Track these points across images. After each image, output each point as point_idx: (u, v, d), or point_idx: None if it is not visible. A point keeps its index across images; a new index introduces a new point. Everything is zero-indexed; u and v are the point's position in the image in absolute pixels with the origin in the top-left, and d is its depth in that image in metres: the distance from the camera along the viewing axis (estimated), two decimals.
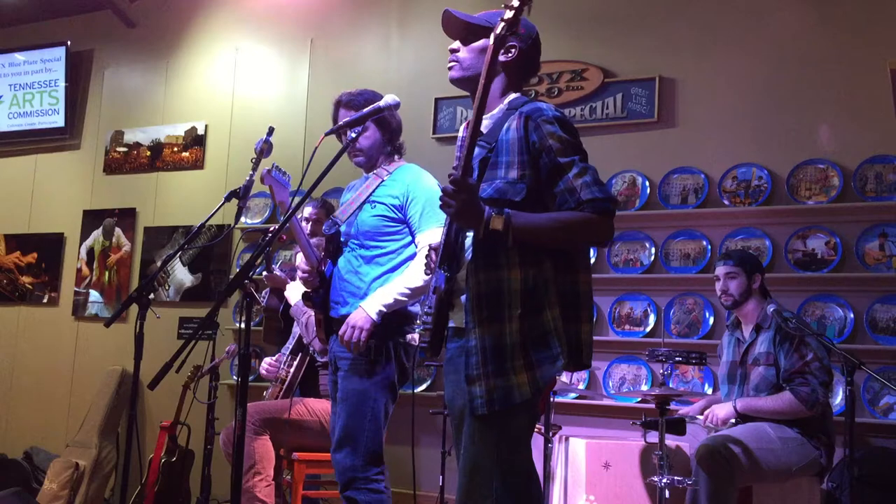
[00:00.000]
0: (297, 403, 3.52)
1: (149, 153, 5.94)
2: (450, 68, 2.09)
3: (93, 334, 5.84)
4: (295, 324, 3.72)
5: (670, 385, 4.04)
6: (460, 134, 2.08)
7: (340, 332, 2.67)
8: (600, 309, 4.39)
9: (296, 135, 5.34)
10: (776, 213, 4.14)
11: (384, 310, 2.65)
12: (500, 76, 2.05)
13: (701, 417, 3.42)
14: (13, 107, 6.39)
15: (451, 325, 2.01)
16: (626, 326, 4.35)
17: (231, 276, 5.38)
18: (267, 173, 2.83)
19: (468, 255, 1.92)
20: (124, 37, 6.20)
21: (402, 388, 2.81)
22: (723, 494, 3.01)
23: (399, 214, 2.77)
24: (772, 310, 3.22)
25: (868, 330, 3.87)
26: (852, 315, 3.91)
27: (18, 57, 6.37)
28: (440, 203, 1.83)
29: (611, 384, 4.31)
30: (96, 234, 5.99)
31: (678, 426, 3.12)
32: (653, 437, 3.19)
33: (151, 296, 2.94)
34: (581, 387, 4.30)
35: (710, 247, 4.23)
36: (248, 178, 2.75)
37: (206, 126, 5.78)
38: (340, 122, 2.63)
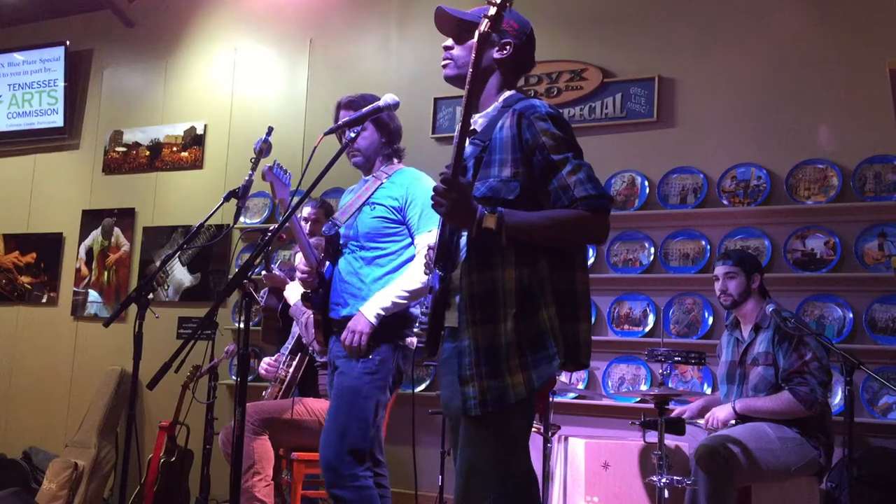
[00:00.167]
0: (297, 403, 3.52)
1: (148, 153, 5.93)
2: (444, 66, 2.06)
3: (92, 334, 5.84)
4: (294, 323, 3.72)
5: (669, 385, 4.04)
6: (456, 133, 2.08)
7: (342, 338, 2.70)
8: (599, 309, 4.39)
9: (295, 135, 5.34)
10: (775, 213, 4.13)
11: (382, 313, 2.68)
12: (496, 74, 2.02)
13: (702, 421, 3.41)
14: (12, 106, 6.39)
15: (446, 325, 1.99)
16: (626, 326, 4.35)
17: (230, 276, 5.38)
18: (268, 170, 2.85)
19: (463, 254, 1.90)
20: (123, 37, 6.20)
21: (401, 389, 2.81)
22: (722, 494, 3.00)
23: (398, 216, 2.79)
24: (771, 310, 3.22)
25: (867, 330, 3.87)
26: (851, 315, 3.91)
27: (17, 57, 6.37)
28: (432, 203, 1.80)
29: (610, 384, 4.31)
30: (95, 234, 5.99)
31: (677, 426, 3.12)
32: (652, 436, 3.19)
33: (150, 296, 2.95)
34: (580, 387, 4.30)
35: (709, 247, 4.23)
36: (247, 178, 2.76)
37: (205, 126, 5.78)
38: (340, 122, 2.65)
